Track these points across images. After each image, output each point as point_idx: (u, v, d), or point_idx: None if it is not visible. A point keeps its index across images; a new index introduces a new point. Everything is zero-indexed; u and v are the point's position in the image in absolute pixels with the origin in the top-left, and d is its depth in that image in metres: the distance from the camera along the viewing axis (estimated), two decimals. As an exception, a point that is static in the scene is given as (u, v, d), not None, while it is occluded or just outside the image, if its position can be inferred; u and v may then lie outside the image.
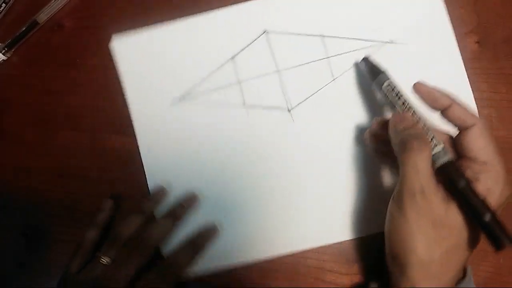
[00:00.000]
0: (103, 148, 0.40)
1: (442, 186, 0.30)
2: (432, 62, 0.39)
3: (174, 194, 0.39)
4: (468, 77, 0.39)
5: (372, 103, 0.39)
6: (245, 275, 0.38)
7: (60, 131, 0.41)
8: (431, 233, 0.29)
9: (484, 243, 0.37)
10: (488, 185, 0.29)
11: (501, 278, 0.37)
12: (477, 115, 0.32)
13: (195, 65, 0.40)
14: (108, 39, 0.41)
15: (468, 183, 0.29)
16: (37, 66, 0.42)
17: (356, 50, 0.40)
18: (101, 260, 0.35)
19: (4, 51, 0.41)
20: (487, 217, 0.28)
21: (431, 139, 0.30)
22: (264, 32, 0.40)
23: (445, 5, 0.40)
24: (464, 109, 0.32)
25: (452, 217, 0.29)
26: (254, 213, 0.38)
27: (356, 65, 0.39)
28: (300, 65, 0.40)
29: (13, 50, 0.41)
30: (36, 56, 0.42)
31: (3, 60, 0.41)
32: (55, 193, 0.40)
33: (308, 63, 0.40)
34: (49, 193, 0.40)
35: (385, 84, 0.34)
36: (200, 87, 0.40)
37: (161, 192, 0.38)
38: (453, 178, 0.29)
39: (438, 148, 0.30)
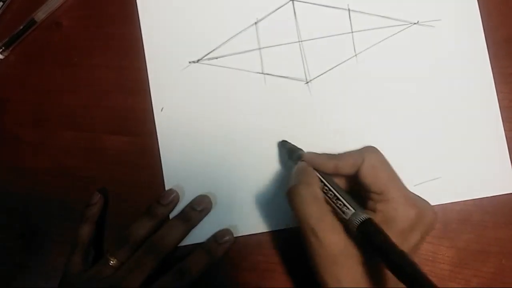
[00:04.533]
0: (102, 148, 0.40)
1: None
2: (457, 45, 0.39)
3: (184, 151, 0.38)
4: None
5: (392, 84, 0.39)
6: (245, 275, 0.38)
7: (58, 131, 0.40)
8: (334, 270, 0.28)
9: (486, 244, 0.37)
10: (387, 214, 0.29)
11: (503, 279, 0.37)
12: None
13: (217, 27, 0.40)
14: (108, 39, 0.41)
15: (384, 238, 0.27)
16: (35, 65, 0.41)
17: (382, 27, 0.39)
18: (110, 262, 0.34)
19: (1, 50, 0.40)
20: (408, 270, 0.25)
21: (340, 209, 0.30)
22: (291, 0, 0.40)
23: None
24: (348, 155, 0.32)
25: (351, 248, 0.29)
26: (261, 177, 0.38)
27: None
28: (323, 37, 0.40)
29: (10, 49, 0.41)
30: (34, 55, 0.41)
31: (0, 59, 0.41)
32: (53, 194, 0.39)
33: (331, 36, 0.40)
34: (47, 193, 0.40)
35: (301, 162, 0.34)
36: (220, 50, 0.40)
37: (175, 196, 0.37)
38: (368, 238, 0.28)
39: (348, 215, 0.29)
